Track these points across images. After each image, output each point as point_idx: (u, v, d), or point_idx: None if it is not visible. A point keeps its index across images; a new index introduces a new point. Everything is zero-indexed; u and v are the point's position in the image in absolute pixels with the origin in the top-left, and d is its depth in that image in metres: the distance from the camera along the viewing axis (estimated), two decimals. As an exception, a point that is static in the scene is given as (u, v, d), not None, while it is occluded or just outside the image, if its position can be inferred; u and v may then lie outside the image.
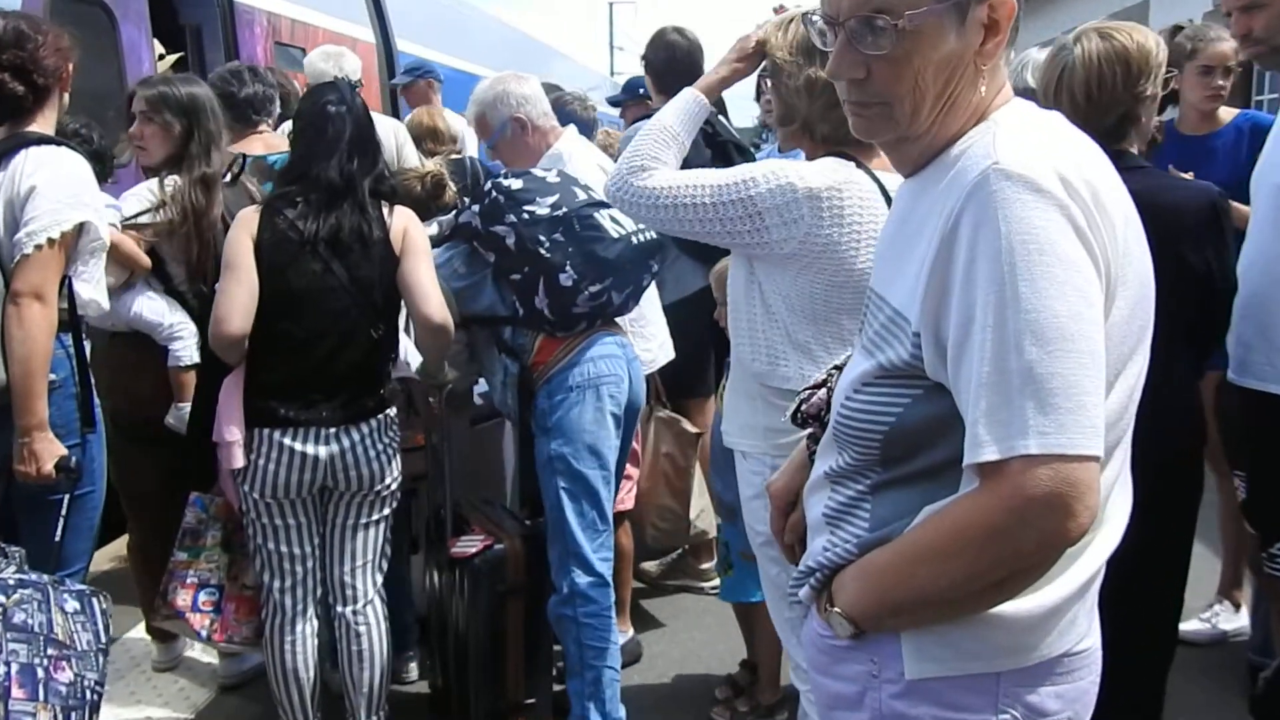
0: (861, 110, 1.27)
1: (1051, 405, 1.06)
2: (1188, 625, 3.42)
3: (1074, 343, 1.07)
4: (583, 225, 2.66)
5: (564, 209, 2.67)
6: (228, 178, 3.10)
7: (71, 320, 2.55)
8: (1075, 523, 1.07)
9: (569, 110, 4.72)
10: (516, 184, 2.72)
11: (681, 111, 2.28)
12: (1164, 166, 2.54)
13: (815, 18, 1.27)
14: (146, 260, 2.99)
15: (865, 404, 1.26)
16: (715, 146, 3.77)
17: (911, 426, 1.22)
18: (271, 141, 3.69)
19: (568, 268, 2.64)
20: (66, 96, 2.64)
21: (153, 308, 3.00)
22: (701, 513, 3.76)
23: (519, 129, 3.20)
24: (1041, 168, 1.11)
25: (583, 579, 2.73)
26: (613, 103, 5.33)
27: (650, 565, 4.08)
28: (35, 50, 2.48)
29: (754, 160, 3.95)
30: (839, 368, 1.54)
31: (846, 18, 1.20)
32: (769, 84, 2.26)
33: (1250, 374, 2.47)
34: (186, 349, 2.99)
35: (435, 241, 2.83)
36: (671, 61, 3.94)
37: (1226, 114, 3.50)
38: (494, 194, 2.70)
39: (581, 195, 2.75)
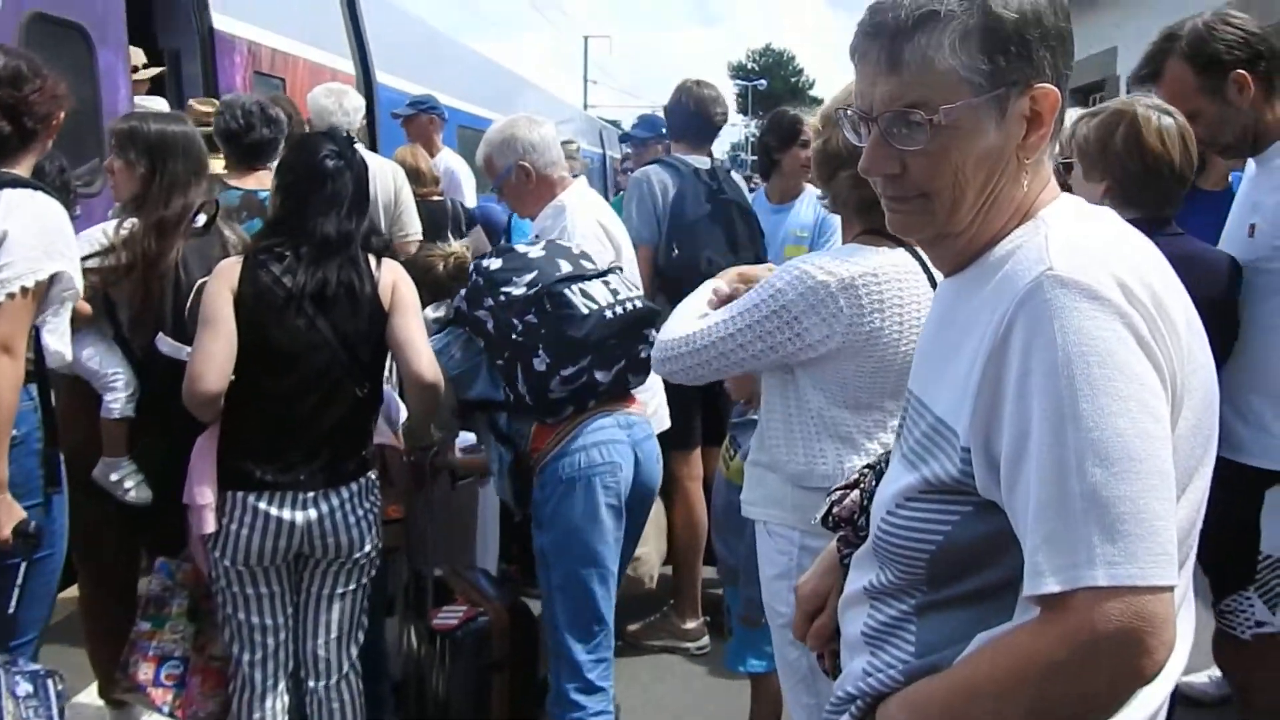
0: (898, 205, 1.21)
1: (1120, 532, 0.98)
2: (1196, 679, 3.34)
3: (1141, 463, 1.00)
4: (554, 303, 2.54)
5: (538, 286, 2.56)
6: (201, 221, 2.88)
7: (39, 371, 2.41)
8: (1151, 660, 0.99)
9: None
10: (495, 264, 2.63)
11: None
12: (1200, 222, 2.52)
13: (849, 112, 1.21)
14: (86, 308, 2.79)
15: (909, 520, 1.18)
16: (717, 204, 3.72)
17: (961, 546, 1.14)
18: (265, 179, 3.57)
19: (540, 351, 2.52)
20: (50, 143, 2.54)
21: (92, 354, 2.77)
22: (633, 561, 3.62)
23: (523, 176, 3.11)
24: (1099, 273, 1.05)
25: (569, 683, 2.58)
26: (625, 139, 5.30)
27: (633, 625, 3.95)
28: (30, 93, 2.39)
29: (756, 220, 3.91)
30: (871, 467, 1.46)
31: (880, 112, 1.15)
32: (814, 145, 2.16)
33: (1223, 444, 2.47)
34: (117, 401, 2.76)
35: (441, 325, 2.72)
36: (678, 106, 4.00)
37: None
38: (475, 276, 2.62)
39: (565, 267, 2.62)
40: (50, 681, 2.03)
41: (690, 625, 3.89)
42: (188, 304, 2.62)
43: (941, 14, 1.10)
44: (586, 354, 2.52)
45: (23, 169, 2.45)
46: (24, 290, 2.26)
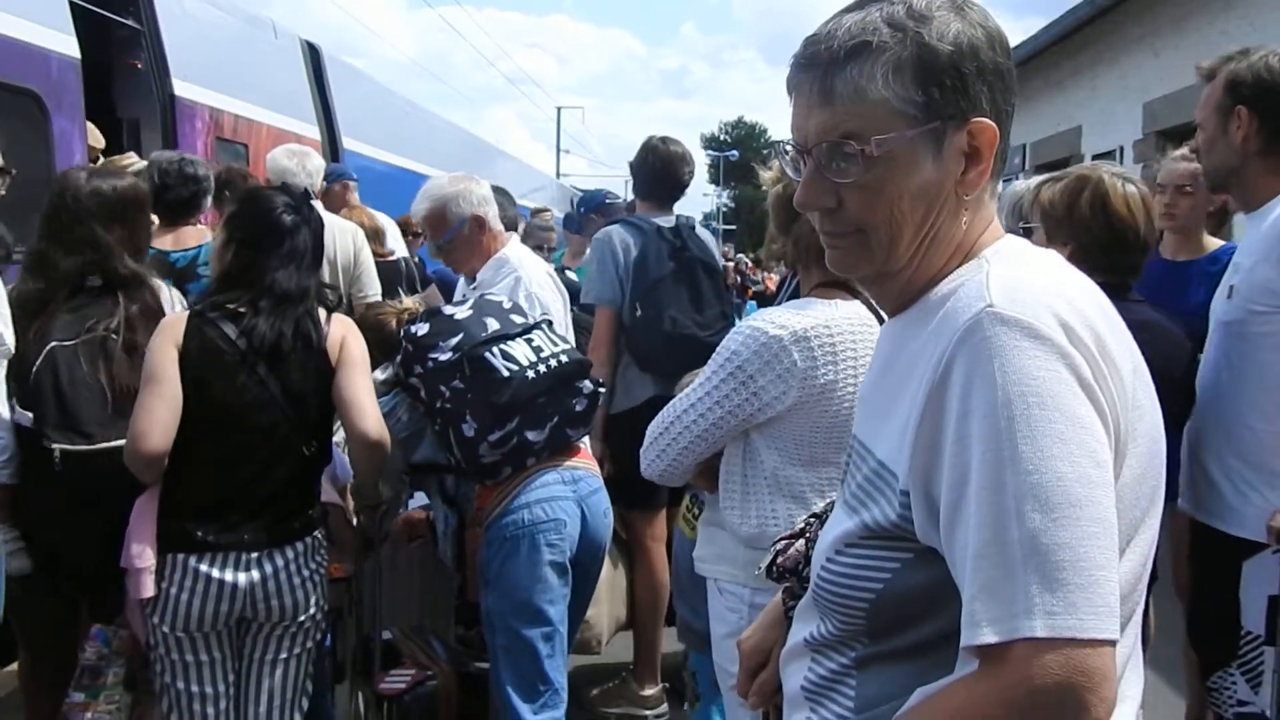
0: (836, 241, 1.18)
1: (1059, 581, 0.94)
2: None
3: (1082, 509, 0.96)
4: (474, 367, 2.51)
5: (460, 350, 2.53)
6: (99, 283, 2.62)
7: (-32, 433, 2.34)
8: (1089, 718, 0.95)
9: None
10: (423, 330, 2.61)
11: None
12: (1149, 291, 2.53)
13: (786, 147, 1.20)
14: None
15: (848, 568, 1.15)
16: (680, 261, 3.69)
17: (901, 595, 1.11)
18: (184, 238, 3.55)
19: (468, 417, 2.49)
20: None
21: None
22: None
23: (477, 227, 3.12)
24: (1041, 312, 1.02)
25: None
26: (571, 218, 5.29)
27: (591, 690, 3.86)
28: None
29: (721, 276, 3.91)
30: (817, 516, 1.44)
31: (814, 144, 1.13)
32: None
33: (1203, 509, 2.45)
34: None
35: (388, 386, 2.69)
36: (643, 165, 3.96)
37: (1211, 243, 3.41)
38: (404, 343, 2.61)
39: (493, 325, 2.59)
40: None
41: (649, 692, 3.80)
42: (34, 368, 2.48)
43: (874, 45, 1.09)
44: (512, 417, 2.49)
45: None
46: None
